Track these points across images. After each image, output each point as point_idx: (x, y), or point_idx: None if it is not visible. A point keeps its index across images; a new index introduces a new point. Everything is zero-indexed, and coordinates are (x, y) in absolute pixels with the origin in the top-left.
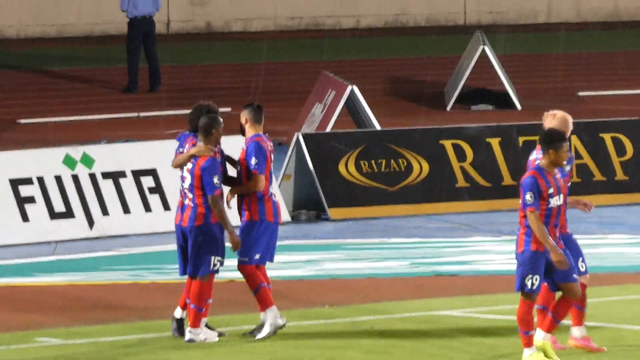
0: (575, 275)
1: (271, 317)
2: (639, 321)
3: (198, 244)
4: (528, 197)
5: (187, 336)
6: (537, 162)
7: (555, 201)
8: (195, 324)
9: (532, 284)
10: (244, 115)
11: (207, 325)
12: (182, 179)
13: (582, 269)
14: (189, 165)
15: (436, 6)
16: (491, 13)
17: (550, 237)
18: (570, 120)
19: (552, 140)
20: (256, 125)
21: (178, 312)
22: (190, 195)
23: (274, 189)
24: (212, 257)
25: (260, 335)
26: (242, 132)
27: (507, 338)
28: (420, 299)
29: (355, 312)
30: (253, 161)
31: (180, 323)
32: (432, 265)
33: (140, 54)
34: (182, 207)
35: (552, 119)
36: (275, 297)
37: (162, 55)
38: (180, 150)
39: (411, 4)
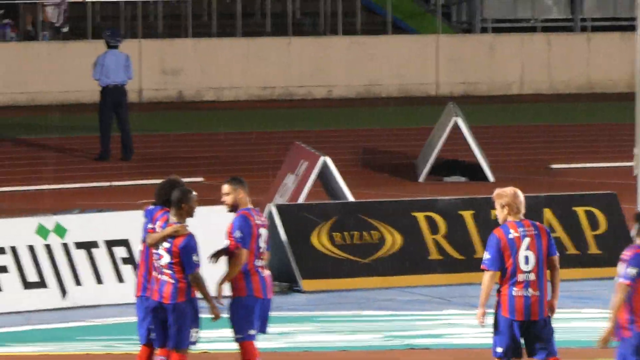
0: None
1: None
2: None
3: (182, 319)
4: (631, 270)
5: None
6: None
7: None
8: None
9: None
10: (237, 190)
11: None
12: (158, 256)
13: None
14: (166, 245)
15: (408, 77)
16: (463, 84)
17: (614, 316)
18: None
19: None
20: (246, 198)
21: None
22: (169, 272)
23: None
24: (192, 330)
25: None
26: (233, 208)
27: None
28: None
29: None
30: (237, 234)
31: None
32: (405, 339)
33: (112, 122)
34: (159, 282)
35: (515, 197)
36: None
37: (135, 123)
38: (150, 225)
39: (383, 74)
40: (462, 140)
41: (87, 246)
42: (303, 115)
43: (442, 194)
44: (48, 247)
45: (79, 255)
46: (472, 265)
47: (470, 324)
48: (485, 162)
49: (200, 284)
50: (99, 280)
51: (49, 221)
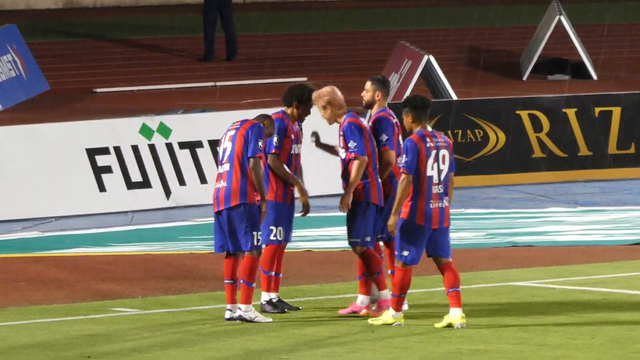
0: None
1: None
2: None
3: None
4: None
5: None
6: None
7: None
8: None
9: None
10: (376, 90)
11: (280, 299)
12: (224, 150)
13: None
14: (231, 133)
15: None
16: None
17: None
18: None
19: None
20: (384, 100)
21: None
22: (227, 168)
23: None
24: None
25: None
26: (367, 105)
27: (583, 309)
28: (496, 270)
29: (431, 282)
30: (384, 137)
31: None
32: (508, 236)
33: (217, 23)
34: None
35: (335, 94)
36: (348, 267)
37: (239, 24)
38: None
39: None
40: (566, 38)
41: (191, 146)
42: (407, 14)
43: (545, 92)
44: (152, 147)
45: (183, 155)
46: (576, 162)
47: (572, 221)
48: (589, 60)
49: (257, 173)
50: (202, 179)
51: (153, 121)
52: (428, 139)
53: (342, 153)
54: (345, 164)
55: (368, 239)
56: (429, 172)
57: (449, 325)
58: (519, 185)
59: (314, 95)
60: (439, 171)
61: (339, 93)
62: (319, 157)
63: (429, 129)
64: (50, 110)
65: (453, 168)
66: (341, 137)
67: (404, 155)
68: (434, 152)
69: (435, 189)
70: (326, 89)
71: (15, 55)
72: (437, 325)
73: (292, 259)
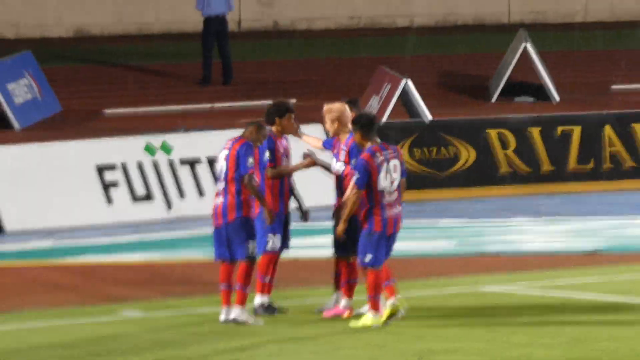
0: None
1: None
2: None
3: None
4: None
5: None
6: None
7: None
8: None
9: None
10: (350, 110)
11: (270, 303)
12: (220, 168)
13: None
14: (225, 152)
15: (482, 6)
16: (533, 13)
17: None
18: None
19: None
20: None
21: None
22: (222, 185)
23: None
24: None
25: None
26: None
27: (546, 311)
28: (466, 276)
29: (408, 287)
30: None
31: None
32: (477, 245)
33: (214, 50)
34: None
35: (344, 112)
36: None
37: (234, 51)
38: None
39: (459, 4)
40: (531, 64)
41: (191, 162)
42: (387, 42)
43: (512, 112)
44: (155, 163)
45: (184, 171)
46: (539, 177)
47: (536, 231)
48: (552, 83)
49: (253, 187)
50: (201, 193)
51: (157, 140)
52: (378, 154)
53: (341, 166)
54: (342, 177)
55: None
56: (382, 184)
57: (392, 314)
58: (488, 198)
59: (325, 107)
60: (392, 180)
61: (348, 112)
62: (307, 171)
63: (378, 141)
64: (63, 129)
65: (405, 174)
66: (344, 152)
67: (356, 172)
68: (384, 165)
69: (389, 198)
70: (338, 105)
71: (31, 79)
72: (382, 319)
73: (282, 266)
